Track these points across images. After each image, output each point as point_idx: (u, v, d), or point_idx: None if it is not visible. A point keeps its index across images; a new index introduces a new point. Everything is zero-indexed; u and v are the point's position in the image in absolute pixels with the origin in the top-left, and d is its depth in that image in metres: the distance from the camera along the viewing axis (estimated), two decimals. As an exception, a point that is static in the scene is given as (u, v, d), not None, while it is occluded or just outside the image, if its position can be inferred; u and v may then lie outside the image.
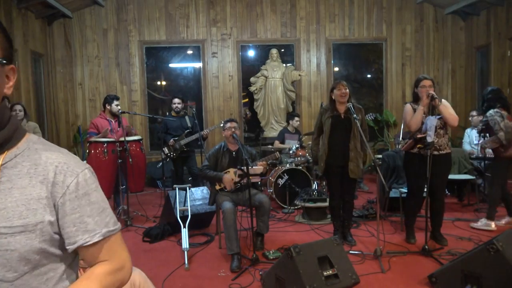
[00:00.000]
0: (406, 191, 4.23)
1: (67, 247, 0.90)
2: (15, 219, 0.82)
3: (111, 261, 0.96)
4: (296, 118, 6.42)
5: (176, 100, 5.63)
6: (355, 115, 3.66)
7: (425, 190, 4.08)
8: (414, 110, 3.80)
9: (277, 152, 4.26)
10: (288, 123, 6.56)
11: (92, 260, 0.95)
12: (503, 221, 4.41)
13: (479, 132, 5.07)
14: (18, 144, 0.88)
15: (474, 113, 5.99)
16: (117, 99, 5.08)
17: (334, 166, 3.89)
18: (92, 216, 0.91)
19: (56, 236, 0.89)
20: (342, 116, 3.86)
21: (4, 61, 0.84)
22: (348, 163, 3.84)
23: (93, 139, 4.77)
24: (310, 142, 6.51)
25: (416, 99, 3.88)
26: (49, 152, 0.89)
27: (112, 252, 0.96)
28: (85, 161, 0.98)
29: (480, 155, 5.39)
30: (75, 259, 0.98)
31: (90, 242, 0.91)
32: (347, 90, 3.80)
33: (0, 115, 0.86)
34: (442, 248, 3.74)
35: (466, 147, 5.93)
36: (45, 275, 0.87)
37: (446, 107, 3.72)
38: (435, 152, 3.68)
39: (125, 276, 1.00)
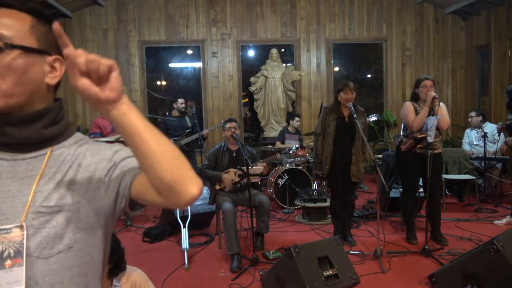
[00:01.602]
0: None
1: (129, 190, 0.90)
2: (54, 199, 0.87)
3: None
4: (297, 118, 6.42)
5: (181, 100, 5.66)
6: (355, 115, 3.66)
7: (421, 189, 4.11)
8: (415, 108, 3.83)
9: (278, 154, 4.26)
10: (289, 123, 6.56)
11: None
12: (503, 221, 4.41)
13: (499, 130, 5.09)
14: (68, 139, 0.95)
15: (473, 113, 5.97)
16: None
17: (337, 168, 3.89)
18: (134, 160, 0.90)
19: (94, 218, 0.92)
20: (346, 120, 3.86)
21: (42, 51, 0.87)
22: (350, 166, 3.86)
23: (110, 137, 4.78)
24: (311, 143, 6.52)
25: (415, 99, 3.91)
26: (90, 145, 0.96)
27: None
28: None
29: (500, 155, 5.38)
30: (107, 246, 0.99)
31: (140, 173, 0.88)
32: (354, 94, 3.78)
33: (55, 113, 0.91)
34: (442, 248, 3.74)
35: (466, 147, 5.92)
36: (79, 257, 0.90)
37: (441, 109, 3.76)
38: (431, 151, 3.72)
39: (192, 185, 0.81)
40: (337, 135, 3.84)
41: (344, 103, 3.80)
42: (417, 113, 3.81)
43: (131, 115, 0.77)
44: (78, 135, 0.98)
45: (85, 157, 0.93)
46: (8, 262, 0.83)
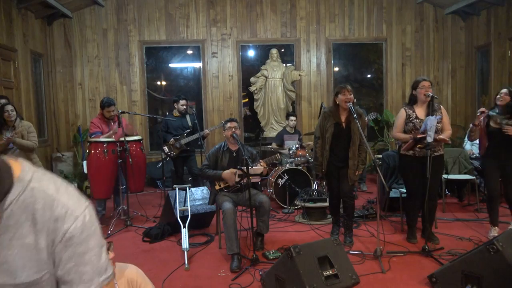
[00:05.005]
0: (405, 191, 4.24)
1: None
2: (18, 273, 0.79)
3: None
4: (292, 117, 6.35)
5: (182, 102, 5.64)
6: (355, 115, 3.66)
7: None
8: (408, 116, 3.86)
9: (278, 154, 4.26)
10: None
11: None
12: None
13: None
14: (12, 189, 0.78)
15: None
16: (110, 105, 4.94)
17: (334, 170, 3.95)
18: (90, 263, 0.84)
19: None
20: (344, 125, 3.89)
21: None
22: (346, 169, 3.89)
23: (102, 138, 4.77)
24: (310, 142, 6.51)
25: (413, 101, 3.94)
26: (46, 194, 0.81)
27: None
28: (84, 199, 0.89)
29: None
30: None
31: None
32: (352, 95, 3.80)
33: None
34: (442, 248, 3.74)
35: (467, 146, 5.91)
36: None
37: (444, 115, 3.86)
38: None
39: None
40: (334, 140, 3.90)
41: (343, 104, 3.81)
42: (409, 119, 3.85)
43: None
44: (23, 176, 0.81)
45: (46, 218, 0.79)
46: None
